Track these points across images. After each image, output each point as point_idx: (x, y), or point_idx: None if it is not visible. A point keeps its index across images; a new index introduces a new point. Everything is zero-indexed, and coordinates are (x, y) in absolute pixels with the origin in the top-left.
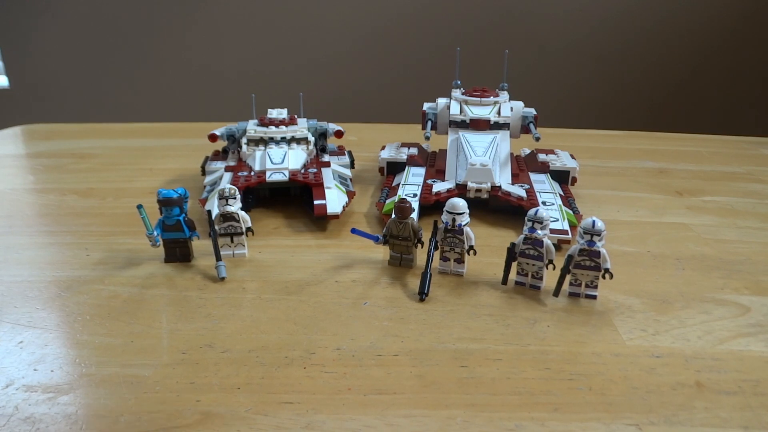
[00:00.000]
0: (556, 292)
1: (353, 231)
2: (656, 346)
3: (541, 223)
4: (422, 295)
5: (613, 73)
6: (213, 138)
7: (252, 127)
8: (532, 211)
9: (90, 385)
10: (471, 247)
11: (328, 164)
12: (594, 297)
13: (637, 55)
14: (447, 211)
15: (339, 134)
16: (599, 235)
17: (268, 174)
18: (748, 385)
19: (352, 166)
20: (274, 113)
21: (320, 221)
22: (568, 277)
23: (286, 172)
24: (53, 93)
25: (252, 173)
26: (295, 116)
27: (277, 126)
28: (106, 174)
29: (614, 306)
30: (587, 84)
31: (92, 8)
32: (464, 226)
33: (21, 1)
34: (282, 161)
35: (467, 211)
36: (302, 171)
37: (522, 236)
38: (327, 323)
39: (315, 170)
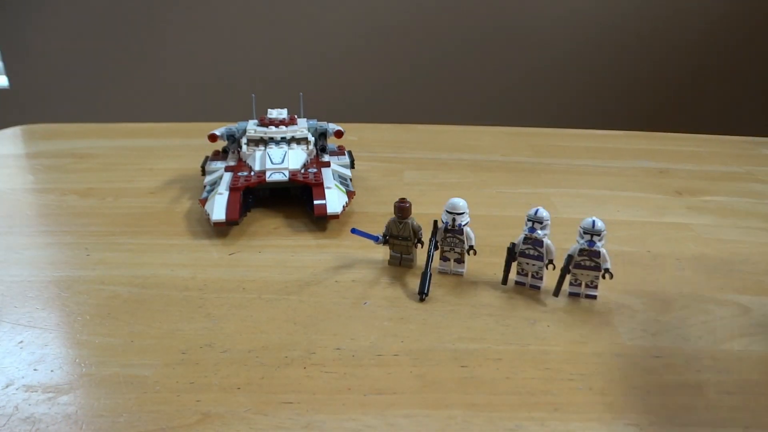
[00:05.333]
0: (556, 292)
1: (353, 231)
2: (656, 346)
3: (541, 223)
4: (422, 295)
5: (613, 73)
6: (213, 138)
7: (252, 127)
8: (532, 211)
9: (90, 385)
10: (471, 247)
11: (328, 164)
12: (594, 297)
13: (637, 55)
14: (447, 211)
15: (339, 134)
16: (599, 235)
17: (268, 174)
18: (748, 385)
19: (352, 166)
20: (274, 113)
21: (320, 221)
22: (568, 277)
23: (286, 172)
24: (53, 93)
25: (252, 173)
26: (295, 116)
27: (277, 126)
28: (106, 174)
29: (614, 306)
30: (587, 84)
31: (92, 8)
32: (464, 226)
33: (21, 1)
34: (282, 161)
35: (467, 211)
36: (302, 171)
37: (522, 236)
38: (327, 323)
39: (315, 170)
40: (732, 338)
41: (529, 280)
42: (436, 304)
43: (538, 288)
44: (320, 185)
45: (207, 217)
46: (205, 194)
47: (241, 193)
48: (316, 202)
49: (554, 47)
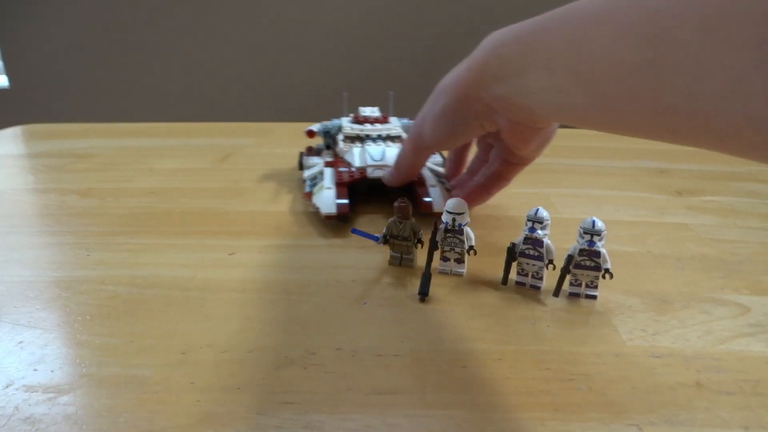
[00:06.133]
0: (556, 292)
1: (353, 231)
2: (656, 346)
3: (541, 223)
4: (422, 295)
5: None
6: (311, 134)
7: (348, 125)
8: (532, 211)
9: (90, 385)
10: (471, 247)
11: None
12: (594, 297)
13: None
14: (447, 211)
15: None
16: (599, 235)
17: (369, 170)
18: (748, 385)
19: (443, 165)
20: (368, 111)
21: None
22: (568, 277)
23: (386, 169)
24: (53, 93)
25: (353, 169)
26: (387, 115)
27: (372, 124)
28: (106, 174)
29: (614, 306)
30: None
31: (92, 8)
32: (464, 226)
33: (21, 1)
34: (381, 158)
35: (467, 211)
36: None
37: (522, 236)
38: (327, 323)
39: None
40: (732, 338)
41: (529, 280)
42: (436, 304)
43: (538, 288)
44: (423, 183)
45: (315, 210)
46: (308, 188)
47: (347, 187)
48: (423, 199)
49: None
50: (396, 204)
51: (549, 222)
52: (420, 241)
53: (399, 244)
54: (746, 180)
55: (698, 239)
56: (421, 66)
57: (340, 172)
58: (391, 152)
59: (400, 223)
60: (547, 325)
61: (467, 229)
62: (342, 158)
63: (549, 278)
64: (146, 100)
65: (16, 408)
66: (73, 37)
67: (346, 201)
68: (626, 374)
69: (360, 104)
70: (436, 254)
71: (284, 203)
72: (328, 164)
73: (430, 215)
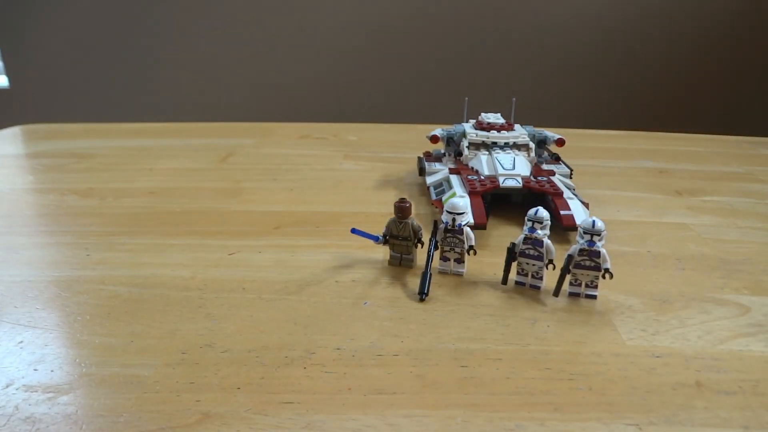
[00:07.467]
0: (556, 292)
1: (353, 231)
2: (656, 346)
3: (541, 223)
4: (422, 295)
5: (612, 73)
6: (435, 139)
7: (471, 131)
8: (532, 211)
9: (90, 385)
10: (471, 247)
11: (553, 173)
12: (594, 297)
13: (637, 55)
14: (447, 211)
15: (561, 143)
16: (599, 235)
17: (501, 179)
18: (748, 385)
19: (569, 176)
20: (491, 117)
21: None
22: (568, 277)
23: (519, 179)
24: (53, 93)
25: (482, 177)
26: (510, 122)
27: (498, 131)
28: (106, 174)
29: (614, 306)
30: (587, 84)
31: (92, 8)
32: (464, 226)
33: (21, 1)
34: (513, 167)
35: (467, 210)
36: (533, 178)
37: (522, 236)
38: (327, 323)
39: (545, 178)
40: (732, 338)
41: (529, 280)
42: (436, 304)
43: (538, 288)
44: (561, 195)
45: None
46: (435, 196)
47: (482, 196)
48: (563, 212)
49: (554, 48)
50: (396, 204)
51: (549, 222)
52: (420, 241)
53: (399, 244)
54: (746, 180)
55: (698, 239)
56: (422, 68)
57: (471, 180)
58: (520, 161)
59: (400, 223)
60: (547, 325)
61: (467, 229)
62: (466, 165)
63: (549, 278)
64: (146, 100)
65: (16, 408)
66: (72, 36)
67: (483, 211)
68: (626, 374)
69: (360, 105)
70: (436, 254)
71: (284, 203)
72: (452, 171)
73: (573, 230)
